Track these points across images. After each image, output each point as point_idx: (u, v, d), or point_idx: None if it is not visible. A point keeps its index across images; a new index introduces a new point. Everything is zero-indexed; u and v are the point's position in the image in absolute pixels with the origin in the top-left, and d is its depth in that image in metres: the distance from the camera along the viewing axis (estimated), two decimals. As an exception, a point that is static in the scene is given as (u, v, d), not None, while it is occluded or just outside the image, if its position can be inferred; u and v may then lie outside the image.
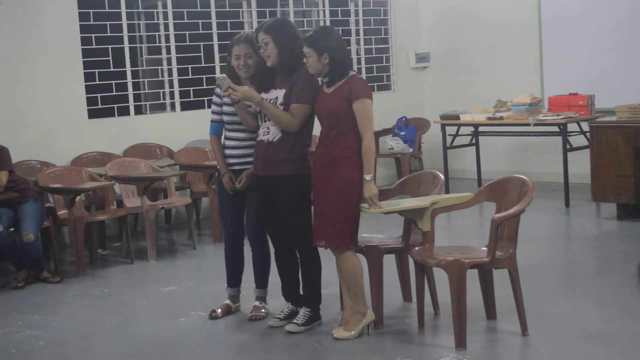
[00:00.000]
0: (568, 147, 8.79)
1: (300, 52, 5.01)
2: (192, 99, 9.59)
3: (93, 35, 8.84)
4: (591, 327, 5.01)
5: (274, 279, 5.56)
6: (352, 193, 4.88)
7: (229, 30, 9.66)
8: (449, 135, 9.81)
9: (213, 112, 5.51)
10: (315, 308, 5.23)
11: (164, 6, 9.43)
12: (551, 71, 10.22)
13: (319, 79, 5.11)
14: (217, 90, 5.49)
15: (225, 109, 5.41)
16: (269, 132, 5.11)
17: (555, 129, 8.84)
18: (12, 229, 6.78)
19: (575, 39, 9.95)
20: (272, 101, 5.07)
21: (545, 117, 8.78)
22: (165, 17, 9.44)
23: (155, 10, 9.44)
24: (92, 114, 8.86)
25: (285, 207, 5.10)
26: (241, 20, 10.03)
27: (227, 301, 5.67)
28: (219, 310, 5.60)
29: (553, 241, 7.55)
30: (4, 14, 8.21)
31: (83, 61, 8.74)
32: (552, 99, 9.21)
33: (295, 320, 5.19)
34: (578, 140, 8.97)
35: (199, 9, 9.63)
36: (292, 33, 5.09)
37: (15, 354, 5.20)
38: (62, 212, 7.40)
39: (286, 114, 5.02)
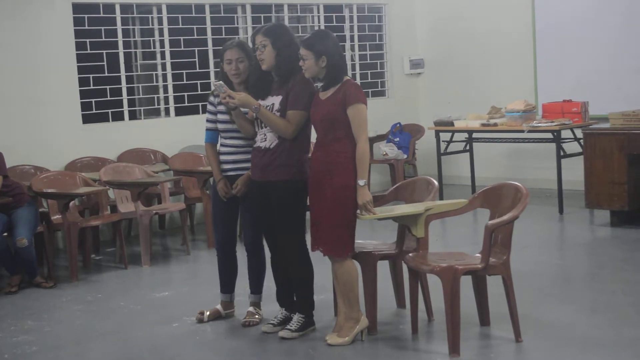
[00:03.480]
0: (562, 153, 8.82)
1: (297, 58, 5.02)
2: (186, 104, 9.59)
3: (88, 40, 8.83)
4: (585, 333, 5.01)
5: (268, 285, 5.56)
6: (348, 198, 4.88)
7: (223, 36, 9.66)
8: (443, 141, 9.83)
9: (208, 121, 5.52)
10: (309, 314, 5.23)
11: (159, 11, 9.43)
12: (545, 78, 10.24)
13: (315, 84, 5.12)
14: (211, 98, 5.50)
15: (220, 117, 5.42)
16: (266, 139, 5.11)
17: (549, 135, 8.86)
18: (5, 234, 6.77)
19: (569, 46, 9.97)
20: (268, 108, 5.07)
21: (539, 124, 8.80)
22: (160, 22, 9.44)
23: (150, 16, 9.44)
24: (87, 119, 8.86)
25: (279, 212, 5.10)
26: (236, 25, 10.04)
27: (218, 306, 5.68)
28: (207, 313, 5.62)
29: (547, 248, 7.56)
30: (-1, 18, 8.23)
31: (77, 66, 8.74)
32: (546, 105, 9.24)
33: (289, 326, 5.19)
34: (572, 147, 8.99)
35: (193, 15, 9.63)
36: (290, 38, 5.10)
37: (8, 359, 5.18)
38: (56, 217, 7.39)
39: (282, 120, 5.03)
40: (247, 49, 5.37)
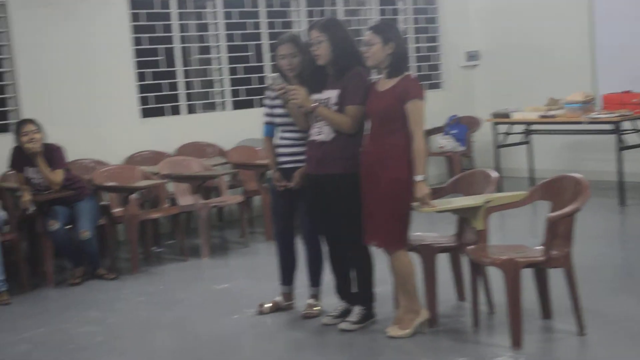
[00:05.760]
0: (622, 145, 8.68)
1: (353, 52, 5.03)
2: (242, 98, 9.65)
3: (145, 35, 8.94)
4: (649, 327, 4.95)
5: (328, 277, 5.57)
6: (401, 192, 4.87)
7: (278, 30, 9.69)
8: (500, 133, 9.74)
9: (265, 114, 5.57)
10: (369, 306, 5.24)
11: (214, 6, 9.51)
12: (604, 69, 10.08)
13: (370, 77, 5.12)
14: (268, 92, 5.53)
15: (277, 110, 5.45)
16: (321, 132, 5.11)
17: (609, 127, 8.73)
18: (68, 227, 6.89)
19: (628, 36, 9.80)
20: (324, 101, 5.08)
21: (599, 115, 8.68)
22: (215, 17, 9.51)
23: (205, 10, 9.51)
24: (145, 113, 8.97)
25: (338, 205, 5.11)
26: (290, 19, 10.06)
27: (278, 298, 5.71)
28: (267, 305, 5.66)
29: (609, 240, 7.45)
30: (57, 15, 8.34)
31: (135, 61, 8.85)
32: (606, 96, 9.11)
33: (349, 318, 5.20)
34: (632, 139, 8.85)
35: (248, 9, 9.69)
36: (345, 32, 5.12)
37: (73, 349, 5.29)
38: (117, 210, 7.49)
39: (342, 116, 5.02)
40: (299, 43, 5.38)
